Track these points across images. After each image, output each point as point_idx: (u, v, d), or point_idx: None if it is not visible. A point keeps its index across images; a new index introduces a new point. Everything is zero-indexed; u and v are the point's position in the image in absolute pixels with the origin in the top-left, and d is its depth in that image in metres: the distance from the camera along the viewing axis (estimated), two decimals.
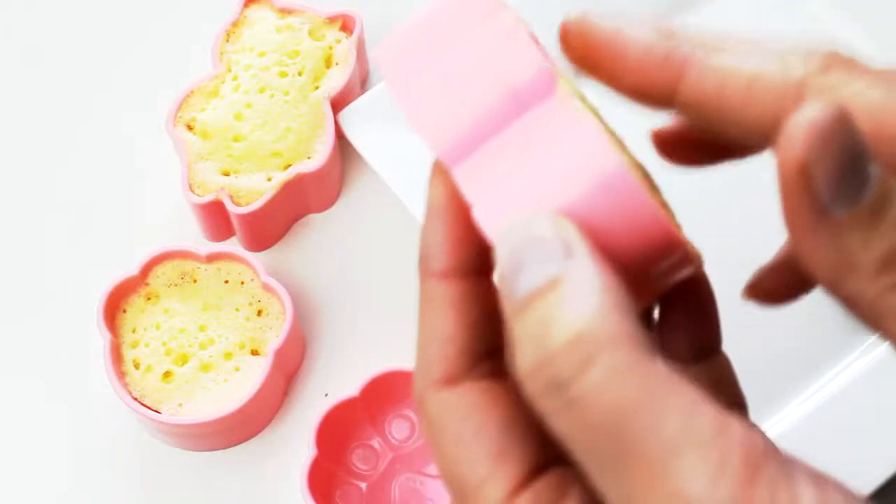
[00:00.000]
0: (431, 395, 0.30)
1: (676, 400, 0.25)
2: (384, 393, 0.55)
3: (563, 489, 0.28)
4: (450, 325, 0.30)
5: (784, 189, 0.26)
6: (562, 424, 0.26)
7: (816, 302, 0.33)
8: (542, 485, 0.28)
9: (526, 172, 0.29)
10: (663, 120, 0.33)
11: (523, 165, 0.29)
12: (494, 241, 0.28)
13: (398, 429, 0.56)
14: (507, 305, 0.27)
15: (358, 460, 0.55)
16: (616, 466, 0.25)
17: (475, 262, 0.30)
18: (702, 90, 0.30)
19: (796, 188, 0.26)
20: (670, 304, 0.34)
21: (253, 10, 0.61)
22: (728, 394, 0.34)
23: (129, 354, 0.55)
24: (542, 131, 0.29)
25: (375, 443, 0.55)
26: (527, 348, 0.26)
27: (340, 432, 0.55)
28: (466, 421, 0.29)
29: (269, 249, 0.60)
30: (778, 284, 0.35)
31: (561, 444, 0.26)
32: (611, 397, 0.25)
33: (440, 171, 0.31)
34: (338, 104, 0.59)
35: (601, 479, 0.26)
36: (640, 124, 0.34)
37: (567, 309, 0.26)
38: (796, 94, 0.30)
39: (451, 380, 0.30)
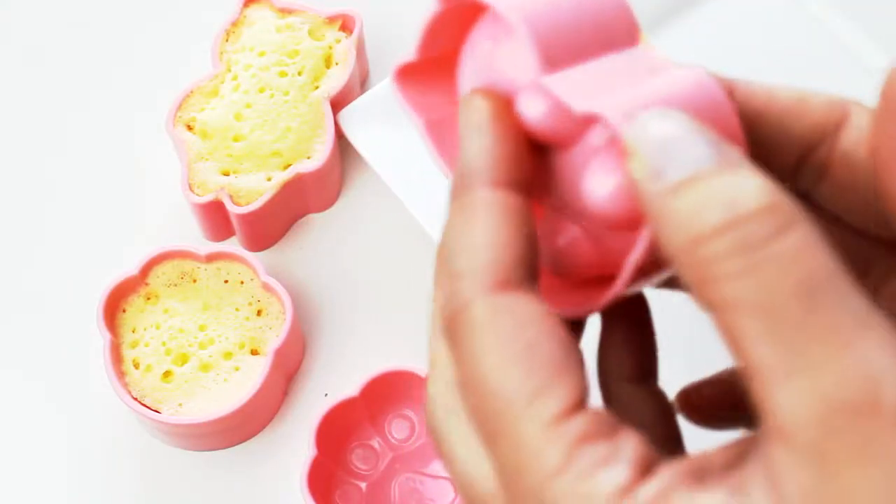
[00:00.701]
0: (482, 297, 0.28)
1: (855, 284, 0.25)
2: (384, 393, 0.55)
3: (616, 424, 0.27)
4: (506, 233, 0.29)
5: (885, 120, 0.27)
6: (741, 285, 0.25)
7: None
8: (597, 415, 0.27)
9: (627, 86, 0.29)
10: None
11: (622, 84, 0.29)
12: (626, 131, 0.27)
13: (398, 429, 0.56)
14: (658, 186, 0.27)
15: (358, 460, 0.55)
16: (795, 331, 0.25)
17: (522, 181, 0.30)
18: (750, 102, 0.31)
19: None
20: (613, 321, 0.34)
21: (253, 10, 0.61)
22: (671, 425, 0.34)
23: (128, 354, 0.55)
24: (633, 65, 0.30)
25: (375, 443, 0.55)
26: (710, 212, 0.25)
27: (340, 432, 0.55)
28: (523, 329, 0.28)
29: (269, 249, 0.60)
30: (712, 402, 0.35)
31: (716, 311, 0.26)
32: (806, 264, 0.25)
33: (482, 93, 0.31)
34: (338, 104, 0.59)
35: (771, 342, 0.25)
36: None
37: (753, 181, 0.26)
38: (842, 112, 0.31)
39: (506, 286, 0.28)
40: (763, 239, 0.25)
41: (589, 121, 0.29)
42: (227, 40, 0.60)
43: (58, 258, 0.61)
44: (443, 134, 0.34)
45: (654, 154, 0.27)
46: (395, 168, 0.58)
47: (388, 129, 0.59)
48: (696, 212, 0.26)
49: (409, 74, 0.34)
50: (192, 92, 0.59)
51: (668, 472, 0.26)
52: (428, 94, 0.34)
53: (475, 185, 0.30)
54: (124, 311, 0.56)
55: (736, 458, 0.26)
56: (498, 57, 0.31)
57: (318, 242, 0.61)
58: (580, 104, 0.29)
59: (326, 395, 0.57)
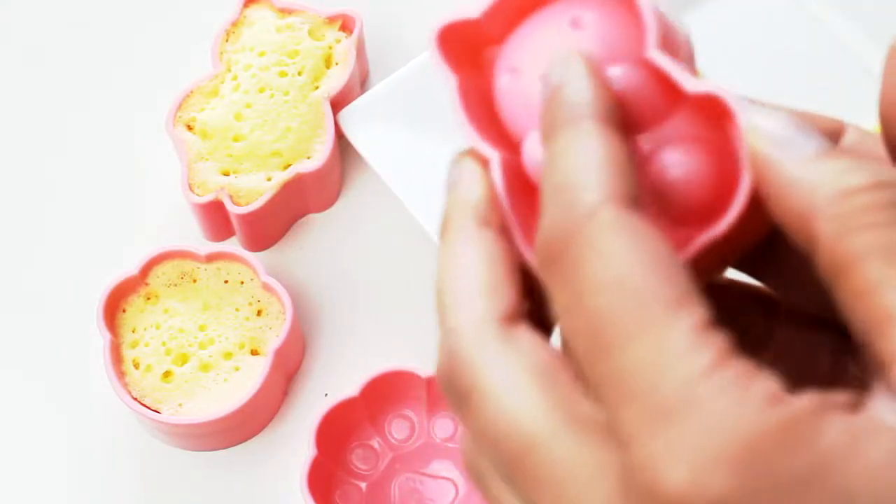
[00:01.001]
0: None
1: None
2: (384, 393, 0.55)
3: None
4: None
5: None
6: (891, 233, 0.26)
7: None
8: (733, 336, 0.27)
9: None
10: None
11: None
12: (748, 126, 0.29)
13: (398, 429, 0.56)
14: (794, 153, 0.28)
15: (358, 460, 0.55)
16: None
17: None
18: None
19: None
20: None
21: (253, 10, 0.61)
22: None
23: (128, 354, 0.55)
24: None
25: (375, 443, 0.55)
26: (859, 173, 0.27)
27: (340, 432, 0.55)
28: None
29: (269, 249, 0.60)
30: None
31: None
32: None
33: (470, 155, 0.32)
34: (338, 104, 0.59)
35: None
36: None
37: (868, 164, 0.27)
38: (841, 124, 0.33)
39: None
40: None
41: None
42: (227, 40, 0.60)
43: (58, 258, 0.61)
44: (473, 99, 0.34)
45: (783, 130, 0.28)
46: (395, 168, 0.58)
47: (388, 129, 0.59)
48: (845, 172, 0.27)
49: (451, 33, 0.34)
50: (192, 92, 0.59)
51: (812, 395, 0.26)
52: (464, 57, 0.34)
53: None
54: (124, 311, 0.56)
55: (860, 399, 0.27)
56: (575, 40, 0.32)
57: (318, 242, 0.61)
58: (692, 84, 0.30)
59: (326, 395, 0.57)
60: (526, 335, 0.29)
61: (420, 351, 0.57)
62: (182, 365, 0.55)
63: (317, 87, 0.59)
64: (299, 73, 0.59)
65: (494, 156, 0.31)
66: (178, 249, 0.57)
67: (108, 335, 0.55)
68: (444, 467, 0.55)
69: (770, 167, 0.28)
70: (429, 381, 0.55)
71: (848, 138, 0.33)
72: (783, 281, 0.34)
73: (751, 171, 0.29)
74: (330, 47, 0.60)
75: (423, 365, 0.55)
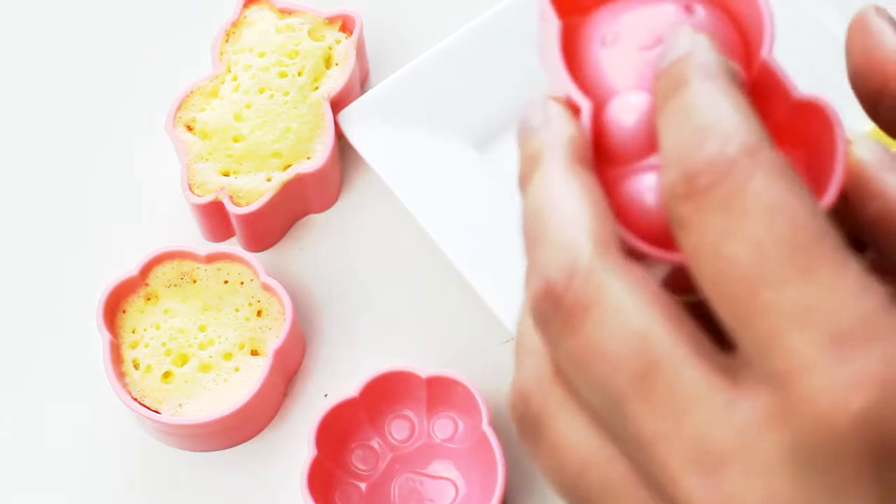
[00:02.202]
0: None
1: None
2: (384, 393, 0.55)
3: None
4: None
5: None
6: None
7: None
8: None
9: None
10: None
11: None
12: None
13: (398, 429, 0.56)
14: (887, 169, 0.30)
15: (357, 460, 0.55)
16: None
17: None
18: None
19: None
20: None
21: (253, 11, 0.61)
22: None
23: (128, 355, 0.55)
24: None
25: (375, 443, 0.55)
26: None
27: (340, 432, 0.55)
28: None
29: (269, 249, 0.60)
30: None
31: None
32: None
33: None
34: (338, 104, 0.59)
35: None
36: None
37: None
38: None
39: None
40: None
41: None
42: (227, 41, 0.60)
43: (58, 258, 0.61)
44: (569, 45, 0.34)
45: (881, 151, 0.31)
46: (395, 168, 0.58)
47: (388, 129, 0.59)
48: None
49: None
50: (192, 92, 0.59)
51: None
52: (567, 6, 0.34)
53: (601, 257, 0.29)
54: (124, 311, 0.56)
55: None
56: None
57: (318, 242, 0.61)
58: (799, 91, 0.32)
59: (326, 395, 0.57)
60: (641, 272, 0.28)
61: (420, 351, 0.57)
62: (182, 365, 0.55)
63: (317, 88, 0.59)
64: (299, 74, 0.59)
65: (586, 104, 0.31)
66: (178, 250, 0.57)
67: (108, 335, 0.55)
68: (444, 467, 0.55)
69: (874, 175, 0.30)
70: (429, 381, 0.55)
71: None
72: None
73: (847, 175, 0.31)
74: (330, 48, 0.60)
75: (423, 365, 0.55)
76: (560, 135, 0.30)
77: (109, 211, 0.62)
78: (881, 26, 0.34)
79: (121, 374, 0.55)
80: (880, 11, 0.34)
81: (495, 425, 0.53)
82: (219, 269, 0.57)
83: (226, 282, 0.57)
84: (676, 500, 0.27)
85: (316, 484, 0.53)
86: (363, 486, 0.55)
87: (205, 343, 0.55)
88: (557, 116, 0.31)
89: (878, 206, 0.30)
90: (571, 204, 0.29)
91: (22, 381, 0.58)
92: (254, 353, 0.56)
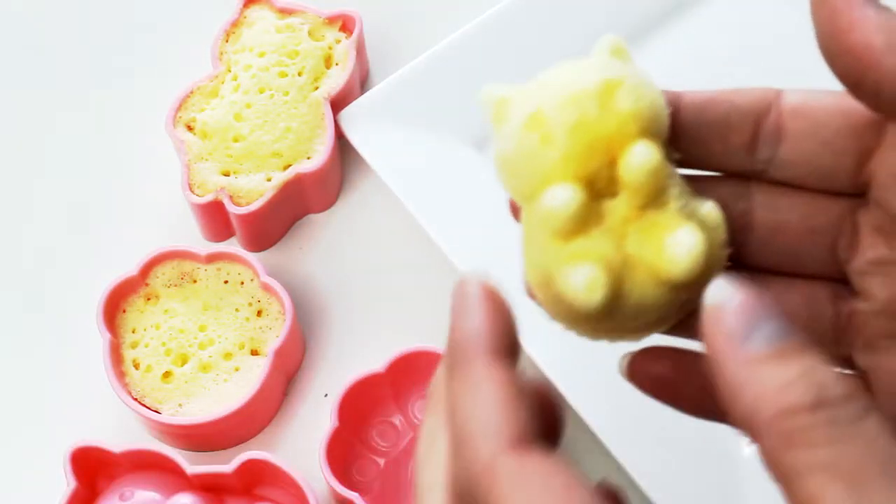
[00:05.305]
0: (504, 455, 0.29)
1: None
2: (410, 371, 0.55)
3: None
4: (513, 397, 0.30)
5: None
6: (829, 452, 0.27)
7: None
8: None
9: None
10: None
11: None
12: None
13: (421, 409, 0.55)
14: (744, 353, 0.29)
15: (378, 436, 0.55)
16: (879, 500, 0.27)
17: (511, 354, 0.32)
18: (698, 97, 0.36)
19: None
20: None
21: (253, 11, 0.61)
22: None
23: (128, 354, 0.55)
24: None
25: (397, 420, 0.55)
26: (801, 391, 0.28)
27: (364, 406, 0.55)
28: (554, 476, 0.29)
29: (269, 249, 0.60)
30: (667, 373, 0.38)
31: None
32: (887, 443, 0.28)
33: (473, 277, 0.33)
34: (338, 104, 0.59)
35: None
36: None
37: (831, 371, 0.29)
38: (777, 90, 0.36)
39: (523, 443, 0.30)
40: (849, 419, 0.28)
41: None
42: (227, 41, 0.60)
43: (58, 258, 0.61)
44: None
45: (737, 319, 0.30)
46: (395, 168, 0.58)
47: (388, 129, 0.59)
48: (787, 387, 0.28)
49: None
50: (192, 92, 0.59)
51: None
52: None
53: (474, 358, 0.31)
54: (124, 311, 0.56)
55: None
56: None
57: (318, 242, 0.61)
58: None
59: (326, 395, 0.57)
60: (540, 456, 0.30)
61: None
62: (182, 365, 0.55)
63: (317, 88, 0.59)
64: (299, 74, 0.59)
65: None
66: (178, 250, 0.57)
67: (108, 335, 0.55)
68: None
69: (719, 366, 0.30)
70: None
71: (790, 95, 0.36)
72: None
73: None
74: (330, 48, 0.60)
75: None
76: (476, 329, 0.32)
77: (109, 211, 0.62)
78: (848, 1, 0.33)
79: (121, 374, 0.55)
80: None
81: None
82: (219, 269, 0.57)
83: (226, 282, 0.57)
84: None
85: (334, 455, 0.53)
86: (381, 461, 0.55)
87: (205, 343, 0.55)
88: (476, 306, 0.32)
89: (723, 395, 0.30)
90: (483, 409, 0.30)
91: (22, 380, 0.58)
92: (254, 352, 0.56)
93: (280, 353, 0.55)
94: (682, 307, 0.35)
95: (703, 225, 0.35)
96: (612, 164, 0.34)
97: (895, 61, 0.32)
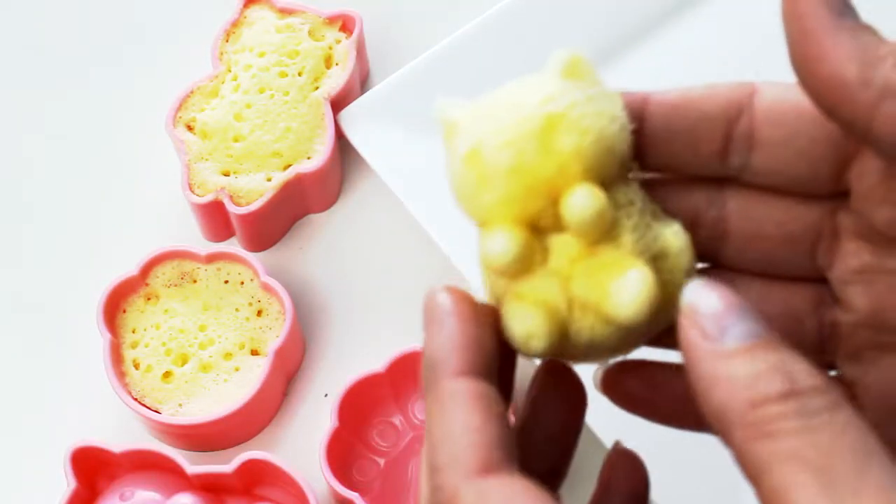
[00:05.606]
0: (467, 485, 0.29)
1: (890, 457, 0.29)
2: (410, 371, 0.55)
3: None
4: (478, 417, 0.30)
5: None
6: (799, 442, 0.28)
7: None
8: None
9: None
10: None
11: None
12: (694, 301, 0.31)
13: (421, 409, 0.55)
14: (715, 348, 0.29)
15: (378, 436, 0.55)
16: (848, 487, 0.27)
17: (485, 366, 0.31)
18: (666, 99, 0.35)
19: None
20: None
21: (253, 11, 0.61)
22: None
23: (129, 354, 0.55)
24: None
25: (397, 420, 0.55)
26: (771, 381, 0.28)
27: (364, 406, 0.55)
28: None
29: (269, 249, 0.60)
30: (648, 388, 0.37)
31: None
32: (857, 433, 0.28)
33: (445, 289, 0.33)
34: (338, 104, 0.59)
35: (825, 495, 0.27)
36: None
37: (803, 364, 0.29)
38: (751, 86, 0.34)
39: (488, 470, 0.29)
40: (818, 409, 0.28)
41: None
42: (227, 41, 0.60)
43: (58, 258, 0.61)
44: None
45: (712, 319, 0.30)
46: (395, 168, 0.58)
47: (388, 129, 0.59)
48: (757, 377, 0.29)
49: None
50: (192, 92, 0.59)
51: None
52: None
53: (443, 375, 0.31)
54: (124, 311, 0.56)
55: None
56: None
57: (318, 242, 0.61)
58: None
59: (326, 395, 0.57)
60: (506, 482, 0.29)
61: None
62: (182, 365, 0.55)
63: (317, 88, 0.59)
64: (299, 74, 0.59)
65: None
66: (178, 249, 0.57)
67: (108, 335, 0.55)
68: None
69: (694, 363, 0.30)
70: None
71: (764, 97, 0.34)
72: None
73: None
74: (330, 48, 0.60)
75: None
76: (445, 345, 0.31)
77: (109, 211, 0.62)
78: (820, 20, 0.31)
79: (121, 374, 0.55)
80: None
81: None
82: (219, 269, 0.57)
83: (226, 282, 0.57)
84: None
85: (335, 455, 0.53)
86: (381, 461, 0.55)
87: (205, 343, 0.55)
88: (444, 319, 0.32)
89: (697, 391, 0.30)
90: (450, 433, 0.30)
91: (22, 380, 0.58)
92: (254, 352, 0.56)
93: (280, 353, 0.55)
94: (641, 337, 0.34)
95: (665, 252, 0.33)
96: (555, 202, 0.32)
97: (869, 97, 0.30)
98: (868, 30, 0.31)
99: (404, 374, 0.55)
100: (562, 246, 0.33)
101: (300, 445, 0.56)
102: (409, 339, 0.55)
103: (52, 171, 0.63)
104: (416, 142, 0.59)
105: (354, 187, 0.62)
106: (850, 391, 0.35)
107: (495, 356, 0.32)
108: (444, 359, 0.31)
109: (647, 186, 0.35)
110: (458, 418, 0.30)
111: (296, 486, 0.51)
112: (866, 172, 0.34)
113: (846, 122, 0.31)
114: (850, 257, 0.35)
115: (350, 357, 0.58)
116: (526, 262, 0.33)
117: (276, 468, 0.52)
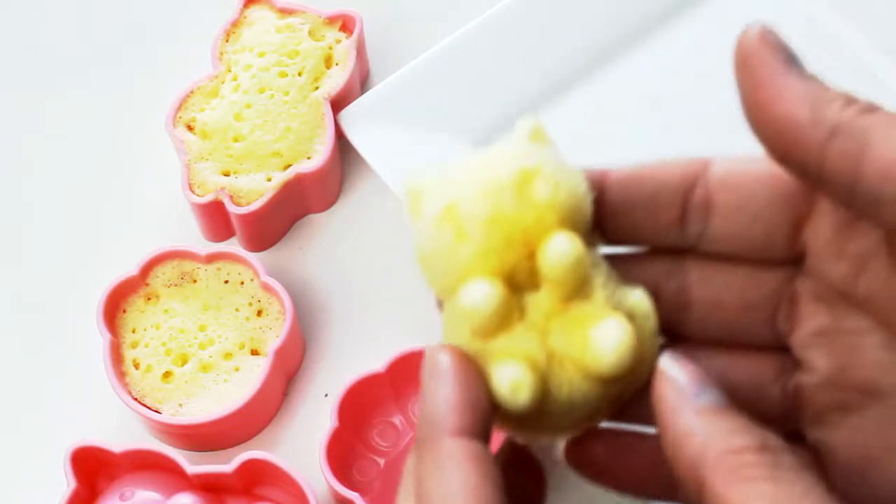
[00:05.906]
0: None
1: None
2: (410, 371, 0.55)
3: None
4: (475, 477, 0.31)
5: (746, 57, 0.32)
6: (766, 488, 0.29)
7: None
8: None
9: None
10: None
11: None
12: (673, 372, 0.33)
13: None
14: (695, 405, 0.32)
15: (378, 436, 0.55)
16: None
17: (481, 427, 0.32)
18: (623, 172, 0.36)
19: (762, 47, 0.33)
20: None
21: (253, 11, 0.61)
22: None
23: (129, 354, 0.55)
24: None
25: (397, 420, 0.55)
26: (746, 436, 0.31)
27: (364, 406, 0.55)
28: None
29: (269, 249, 0.60)
30: (616, 459, 0.38)
31: None
32: (807, 479, 0.30)
33: (448, 348, 0.33)
34: (338, 104, 0.59)
35: None
36: None
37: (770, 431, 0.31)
38: (704, 161, 0.36)
39: None
40: (790, 465, 0.30)
41: None
42: (227, 41, 0.60)
43: (58, 258, 0.61)
44: None
45: (686, 384, 0.32)
46: (395, 168, 0.58)
47: (388, 129, 0.59)
48: (733, 431, 0.31)
49: None
50: (192, 92, 0.59)
51: None
52: None
53: (440, 434, 0.32)
54: (124, 311, 0.56)
55: None
56: None
57: (318, 242, 0.61)
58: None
59: (326, 395, 0.57)
60: None
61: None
62: (182, 365, 0.55)
63: (317, 88, 0.59)
64: (299, 74, 0.59)
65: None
66: (178, 249, 0.57)
67: (108, 335, 0.55)
68: None
69: (670, 417, 0.32)
70: None
71: (718, 167, 0.35)
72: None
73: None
74: (330, 47, 0.60)
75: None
76: (444, 404, 0.32)
77: (109, 211, 0.62)
78: (771, 68, 0.32)
79: (121, 374, 0.55)
80: (766, 37, 0.34)
81: None
82: (219, 269, 0.57)
83: (226, 282, 0.57)
84: None
85: (335, 455, 0.53)
86: (382, 461, 0.55)
87: (205, 343, 0.55)
88: (445, 378, 0.33)
89: (672, 446, 0.32)
90: (447, 494, 0.31)
91: (22, 380, 0.58)
92: (254, 352, 0.56)
93: (280, 353, 0.55)
94: (616, 400, 0.35)
95: (632, 314, 0.34)
96: (531, 256, 0.33)
97: (820, 136, 0.31)
98: (815, 78, 0.32)
99: (404, 374, 0.55)
100: (537, 303, 0.33)
101: (300, 445, 0.56)
102: (409, 339, 0.55)
103: (52, 171, 0.63)
104: (416, 142, 0.59)
105: (354, 187, 0.62)
106: (815, 457, 0.36)
107: (490, 417, 0.33)
108: (441, 418, 0.32)
109: (608, 260, 0.35)
110: (455, 477, 0.31)
111: (296, 486, 0.51)
112: (820, 229, 0.34)
113: (799, 165, 0.32)
114: (809, 320, 0.35)
115: (350, 357, 0.58)
116: (505, 317, 0.33)
117: (277, 468, 0.52)
